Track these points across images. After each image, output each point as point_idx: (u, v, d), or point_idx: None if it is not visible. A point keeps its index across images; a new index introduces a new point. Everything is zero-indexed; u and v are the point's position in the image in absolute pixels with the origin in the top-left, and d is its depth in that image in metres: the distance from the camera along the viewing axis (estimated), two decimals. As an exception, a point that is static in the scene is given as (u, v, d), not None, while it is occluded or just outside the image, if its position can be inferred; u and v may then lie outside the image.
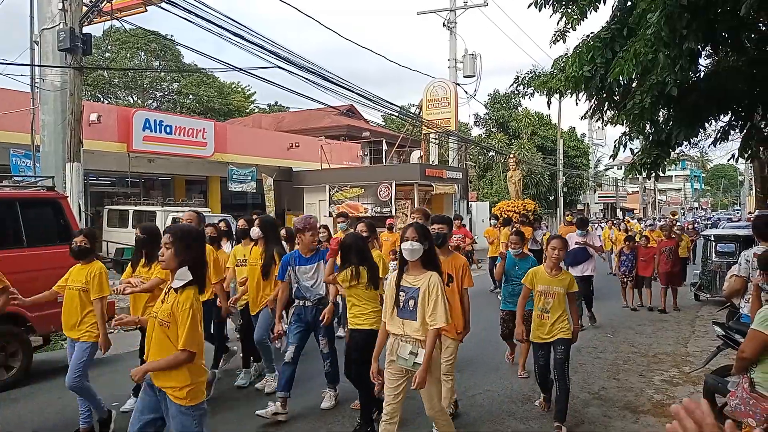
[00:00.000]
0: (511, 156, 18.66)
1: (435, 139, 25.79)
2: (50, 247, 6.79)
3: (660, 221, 28.40)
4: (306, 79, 12.43)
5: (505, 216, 15.40)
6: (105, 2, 10.13)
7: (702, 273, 11.33)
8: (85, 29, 9.80)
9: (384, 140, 27.64)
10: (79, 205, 9.49)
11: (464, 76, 24.99)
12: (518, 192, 17.68)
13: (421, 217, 5.08)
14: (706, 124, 7.04)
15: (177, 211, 15.86)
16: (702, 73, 6.79)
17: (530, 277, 4.96)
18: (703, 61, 7.12)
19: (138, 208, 17.03)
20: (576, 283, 4.92)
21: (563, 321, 4.75)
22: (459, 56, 24.80)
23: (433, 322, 3.56)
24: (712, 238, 11.52)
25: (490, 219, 17.48)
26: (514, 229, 8.84)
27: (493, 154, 36.26)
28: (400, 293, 3.71)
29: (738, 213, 46.85)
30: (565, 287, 4.80)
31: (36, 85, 11.37)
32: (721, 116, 6.97)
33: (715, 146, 9.32)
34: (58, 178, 9.02)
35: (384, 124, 38.10)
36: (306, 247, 5.14)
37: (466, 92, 25.23)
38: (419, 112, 25.62)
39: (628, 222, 26.50)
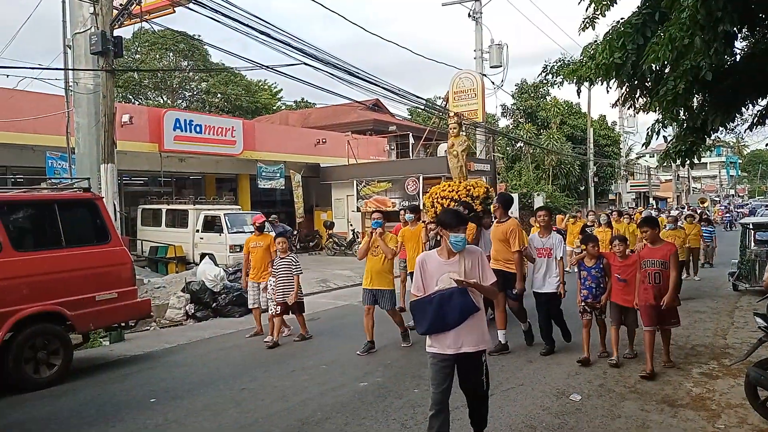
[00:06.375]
0: (452, 115, 11.25)
1: (462, 131, 25.55)
2: (87, 247, 6.97)
3: (683, 210, 24.44)
4: (332, 74, 12.45)
5: (440, 204, 9.55)
6: (134, 5, 10.31)
7: (741, 262, 11.03)
8: (116, 32, 9.99)
9: (410, 134, 27.54)
10: (114, 205, 9.71)
11: (491, 67, 24.70)
12: (462, 169, 10.75)
13: None
14: (743, 109, 6.84)
15: (209, 209, 16.11)
16: (738, 56, 6.58)
17: None
18: (739, 44, 6.90)
19: (171, 206, 17.36)
20: None
21: None
22: (485, 46, 24.50)
23: None
24: (751, 227, 11.20)
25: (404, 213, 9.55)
26: None
27: (522, 145, 35.82)
28: None
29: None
30: None
31: (70, 88, 11.65)
32: (759, 100, 6.76)
33: (751, 131, 9.02)
34: (94, 179, 9.25)
35: (410, 117, 38.01)
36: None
37: (493, 83, 24.99)
38: (445, 105, 25.44)
39: (626, 214, 17.38)
